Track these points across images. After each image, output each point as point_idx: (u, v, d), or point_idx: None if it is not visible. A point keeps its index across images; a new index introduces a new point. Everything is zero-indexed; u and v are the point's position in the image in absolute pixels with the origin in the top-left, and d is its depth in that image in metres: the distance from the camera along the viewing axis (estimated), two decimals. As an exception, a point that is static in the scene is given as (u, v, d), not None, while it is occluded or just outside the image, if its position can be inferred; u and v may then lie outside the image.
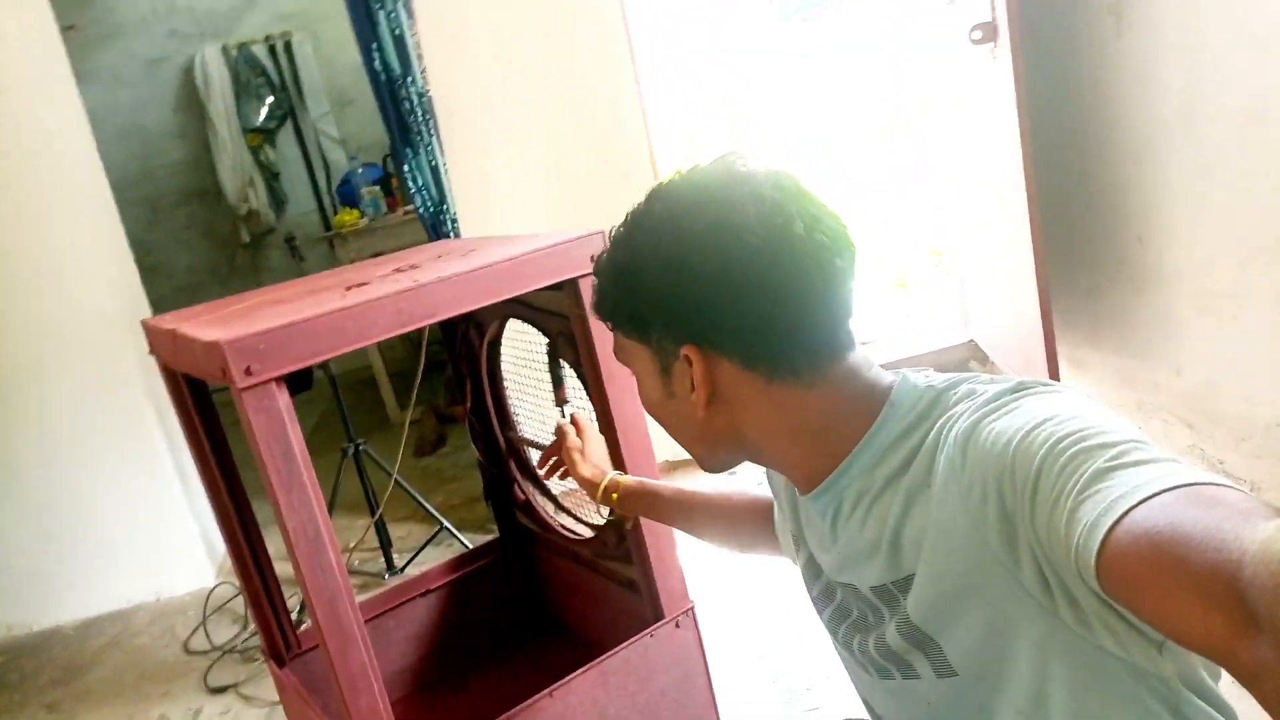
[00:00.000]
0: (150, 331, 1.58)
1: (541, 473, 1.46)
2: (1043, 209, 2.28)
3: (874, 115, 4.95)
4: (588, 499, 1.76)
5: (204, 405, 1.70)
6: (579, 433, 1.39)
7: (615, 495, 1.29)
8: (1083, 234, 2.54)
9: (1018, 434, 0.64)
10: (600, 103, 2.93)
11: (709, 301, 0.75)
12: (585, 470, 1.33)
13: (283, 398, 1.19)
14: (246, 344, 1.15)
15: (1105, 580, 0.54)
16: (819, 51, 4.61)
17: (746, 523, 1.16)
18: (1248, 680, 0.46)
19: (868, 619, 0.83)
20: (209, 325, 1.32)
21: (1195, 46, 2.00)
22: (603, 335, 1.46)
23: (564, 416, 1.45)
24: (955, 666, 0.74)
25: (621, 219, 0.84)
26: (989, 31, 2.23)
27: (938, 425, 0.73)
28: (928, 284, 4.34)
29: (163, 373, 1.67)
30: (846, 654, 0.90)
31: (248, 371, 1.15)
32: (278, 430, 1.19)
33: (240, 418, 1.18)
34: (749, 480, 1.18)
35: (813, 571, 0.92)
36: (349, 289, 1.39)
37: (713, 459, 0.88)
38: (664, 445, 3.08)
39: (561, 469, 1.44)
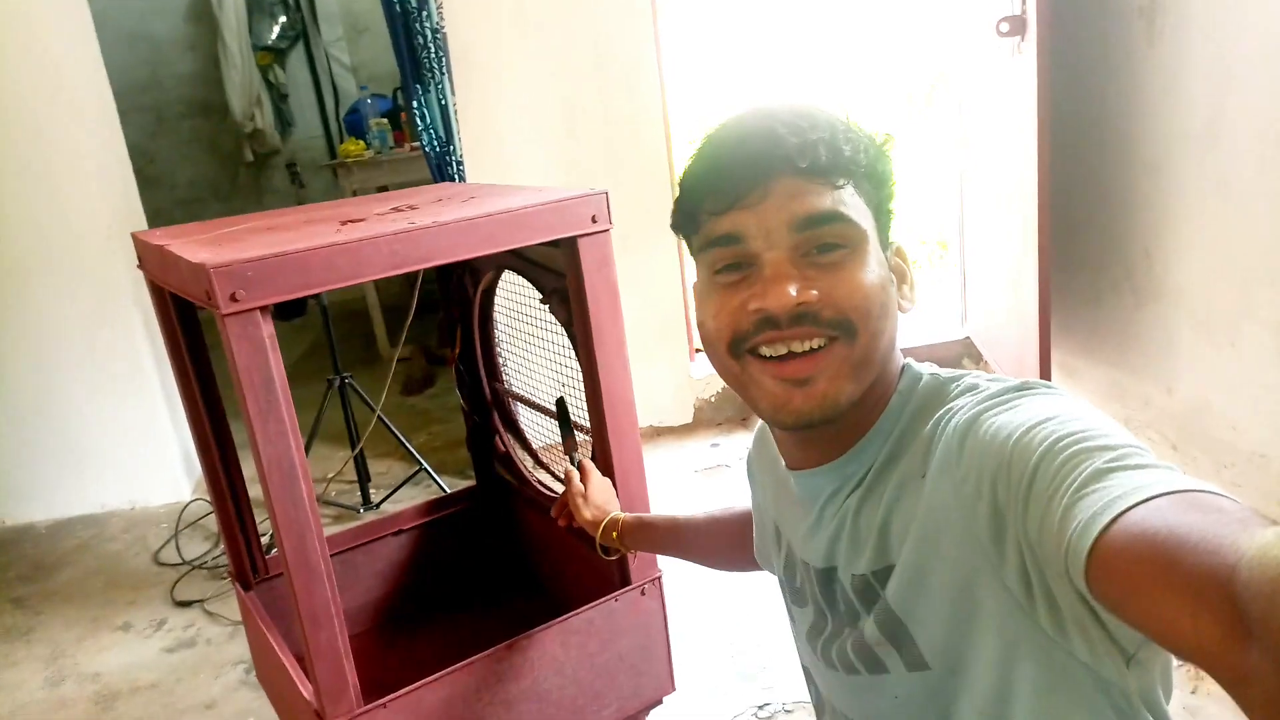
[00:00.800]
0: (140, 245, 1.56)
1: (559, 521, 1.48)
2: (1052, 211, 2.26)
3: (889, 92, 4.89)
4: (564, 457, 1.77)
5: (189, 323, 1.69)
6: (584, 478, 1.42)
7: (615, 534, 1.32)
8: (1090, 240, 2.53)
9: (1017, 429, 0.64)
10: (618, 60, 2.88)
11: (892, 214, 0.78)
12: (587, 513, 1.37)
13: (267, 327, 1.18)
14: (234, 270, 1.13)
15: (1094, 578, 0.53)
16: (839, 24, 4.54)
17: (737, 539, 1.15)
18: (1233, 686, 0.45)
19: (843, 624, 0.82)
20: (199, 246, 1.30)
21: (1225, 63, 1.96)
22: (597, 296, 1.45)
23: (572, 464, 1.46)
24: (927, 659, 0.73)
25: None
26: (1017, 25, 2.19)
27: (936, 416, 0.72)
28: (928, 275, 4.32)
29: (149, 287, 1.65)
30: (811, 654, 0.89)
31: (233, 298, 1.14)
32: (259, 359, 1.18)
33: (223, 344, 1.17)
34: (735, 499, 1.18)
35: (790, 573, 0.91)
36: (344, 224, 1.37)
37: (875, 377, 0.75)
38: (645, 411, 3.05)
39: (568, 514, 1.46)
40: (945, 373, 0.78)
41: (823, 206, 0.71)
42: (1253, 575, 0.43)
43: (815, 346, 0.72)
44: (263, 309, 1.17)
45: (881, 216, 0.75)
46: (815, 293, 0.71)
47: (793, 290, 0.70)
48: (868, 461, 0.77)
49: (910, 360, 0.80)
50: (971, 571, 0.67)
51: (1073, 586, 0.57)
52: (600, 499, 1.40)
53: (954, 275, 3.40)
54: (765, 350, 0.73)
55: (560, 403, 1.56)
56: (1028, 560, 0.62)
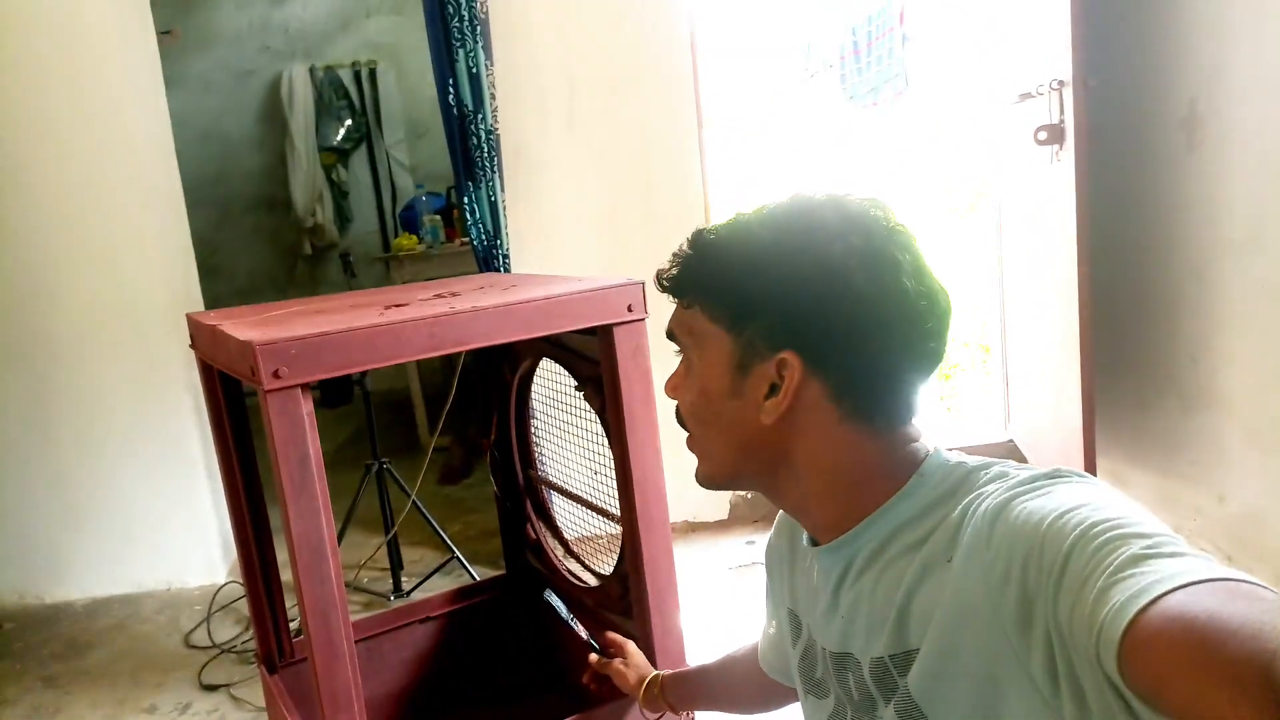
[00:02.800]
0: (193, 325, 1.62)
1: (587, 681, 1.49)
2: (1095, 316, 2.25)
3: (930, 202, 4.96)
4: (598, 550, 1.76)
5: (235, 404, 1.73)
6: (620, 650, 1.44)
7: (657, 689, 1.33)
8: (1134, 346, 2.50)
9: (1050, 514, 0.63)
10: (662, 159, 2.98)
11: (846, 322, 0.74)
12: (632, 677, 1.38)
13: (306, 405, 1.21)
14: (279, 348, 1.17)
15: (1128, 662, 0.52)
16: (880, 134, 4.65)
17: (750, 672, 1.16)
18: None
19: (861, 713, 0.80)
20: (247, 326, 1.35)
21: (1266, 172, 1.97)
22: (631, 384, 1.46)
23: (600, 652, 1.47)
24: None
25: (757, 207, 0.82)
26: (1055, 134, 2.23)
27: (964, 502, 0.72)
28: (972, 377, 4.29)
29: (199, 366, 1.71)
30: None
31: (276, 374, 1.17)
32: (297, 436, 1.20)
33: (264, 419, 1.20)
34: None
35: (809, 663, 0.90)
36: (388, 308, 1.42)
37: (734, 472, 0.85)
38: (680, 505, 3.03)
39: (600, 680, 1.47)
40: (973, 460, 0.78)
41: (670, 326, 0.86)
42: None
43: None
44: (304, 386, 1.21)
45: (741, 330, 0.79)
46: (672, 394, 0.88)
47: (667, 387, 0.89)
48: (876, 539, 0.77)
49: (939, 448, 0.80)
50: (996, 662, 0.65)
51: (1102, 672, 0.55)
52: (640, 660, 1.42)
53: (996, 378, 3.37)
54: None
55: (548, 603, 1.55)
56: (1056, 648, 0.60)
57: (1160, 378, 2.41)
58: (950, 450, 0.80)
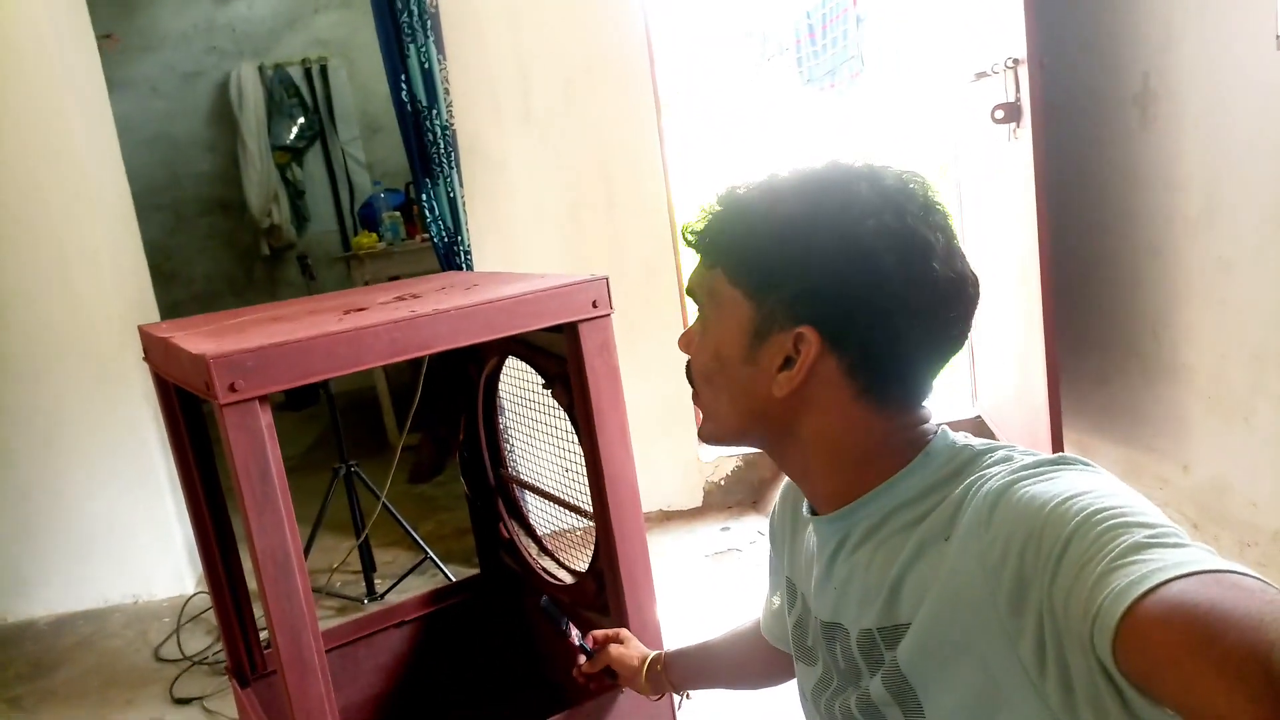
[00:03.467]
0: (145, 338, 1.57)
1: (577, 674, 1.41)
2: (1057, 293, 2.27)
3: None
4: (572, 545, 1.74)
5: (193, 415, 1.69)
6: (615, 639, 1.36)
7: (660, 667, 1.27)
8: (1097, 321, 2.53)
9: (1053, 500, 0.63)
10: (621, 151, 2.96)
11: (869, 303, 0.73)
12: (634, 660, 1.30)
13: (265, 417, 1.18)
14: (233, 360, 1.14)
15: (1124, 647, 0.52)
16: (839, 115, 4.65)
17: (755, 646, 1.15)
18: None
19: (846, 682, 0.81)
20: (201, 337, 1.31)
21: (1219, 145, 1.99)
22: (599, 380, 1.45)
23: (587, 653, 1.38)
24: None
25: (797, 172, 0.80)
26: (1011, 112, 2.24)
27: (967, 482, 0.72)
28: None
29: (154, 380, 1.66)
30: (816, 712, 0.88)
31: (232, 388, 1.14)
32: (257, 450, 1.17)
33: (221, 434, 1.17)
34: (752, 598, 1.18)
35: (801, 630, 0.90)
36: (347, 313, 1.39)
37: (738, 434, 0.84)
38: (653, 494, 3.02)
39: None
40: (980, 443, 0.78)
41: (690, 285, 0.86)
42: None
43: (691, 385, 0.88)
44: (261, 399, 1.17)
45: (762, 298, 0.77)
46: (686, 348, 0.87)
47: (680, 340, 0.88)
48: (875, 514, 0.77)
49: (945, 428, 0.80)
50: (987, 642, 0.66)
51: (1095, 657, 0.56)
52: (636, 642, 1.36)
53: (962, 355, 3.40)
54: None
55: (545, 606, 1.47)
56: (1047, 631, 0.61)
57: (1123, 351, 2.44)
58: (957, 432, 0.80)
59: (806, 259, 0.74)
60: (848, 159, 0.79)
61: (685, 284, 0.91)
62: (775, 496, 1.03)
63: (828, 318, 0.74)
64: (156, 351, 1.49)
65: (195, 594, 2.99)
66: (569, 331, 1.44)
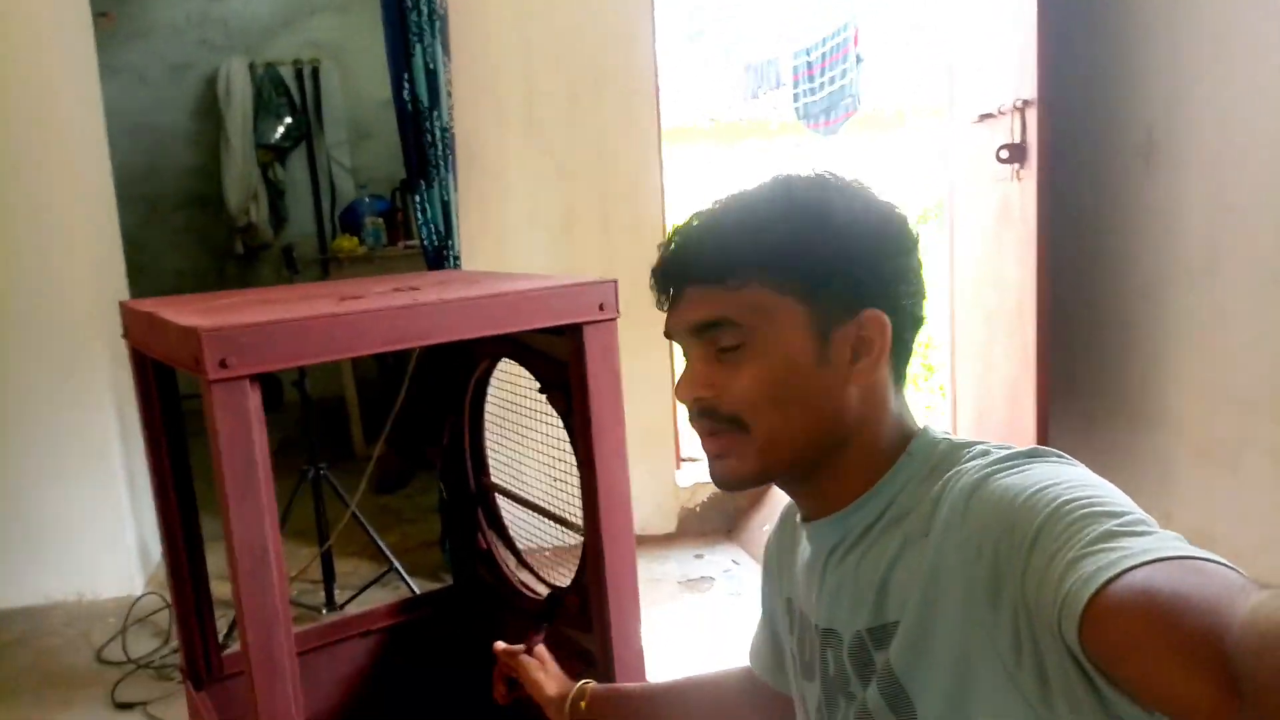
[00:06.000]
0: (127, 313, 1.50)
1: (497, 695, 1.36)
2: (1049, 334, 2.27)
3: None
4: (553, 561, 1.67)
5: (169, 402, 1.61)
6: (542, 661, 1.30)
7: (583, 703, 1.17)
8: (1086, 365, 2.53)
9: (1025, 491, 0.64)
10: (621, 170, 2.94)
11: (897, 272, 0.76)
12: (551, 688, 1.22)
13: (255, 398, 1.12)
14: (226, 334, 1.08)
15: (1089, 633, 0.53)
16: (832, 151, 4.69)
17: (736, 694, 1.09)
18: None
19: (838, 695, 0.80)
20: (190, 313, 1.25)
21: (1222, 198, 2.01)
22: (600, 388, 1.40)
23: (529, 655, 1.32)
24: None
25: (807, 174, 0.81)
26: (1016, 153, 2.25)
27: (945, 478, 0.73)
28: (918, 393, 4.32)
29: (132, 359, 1.59)
30: None
31: (223, 364, 1.07)
32: (243, 432, 1.11)
33: (206, 415, 1.10)
34: (722, 661, 1.14)
35: (802, 645, 0.88)
36: (343, 299, 1.33)
37: (792, 457, 0.78)
38: (649, 516, 2.95)
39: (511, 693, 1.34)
40: (958, 439, 0.79)
41: (711, 315, 0.77)
42: (1245, 633, 0.44)
43: (713, 432, 0.79)
44: (252, 379, 1.11)
45: (816, 295, 0.75)
46: (710, 392, 0.78)
47: (688, 390, 0.79)
48: (868, 517, 0.78)
49: (929, 425, 0.81)
50: (968, 636, 0.66)
51: (1064, 644, 0.57)
52: (559, 673, 1.27)
53: (942, 398, 3.39)
54: None
55: (554, 598, 1.41)
56: (1021, 621, 0.61)
57: (1110, 396, 2.44)
58: (938, 428, 0.81)
59: (852, 244, 0.75)
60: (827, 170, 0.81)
61: (670, 326, 0.81)
62: (757, 524, 1.00)
63: (881, 296, 0.76)
64: (138, 327, 1.42)
65: (144, 595, 2.87)
66: (572, 334, 1.39)
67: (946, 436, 0.79)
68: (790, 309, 0.75)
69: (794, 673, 0.91)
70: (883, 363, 0.77)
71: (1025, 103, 2.19)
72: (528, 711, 1.32)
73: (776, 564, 0.97)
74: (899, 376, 0.80)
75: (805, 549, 0.87)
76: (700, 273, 0.77)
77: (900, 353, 0.79)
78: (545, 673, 1.26)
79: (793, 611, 0.91)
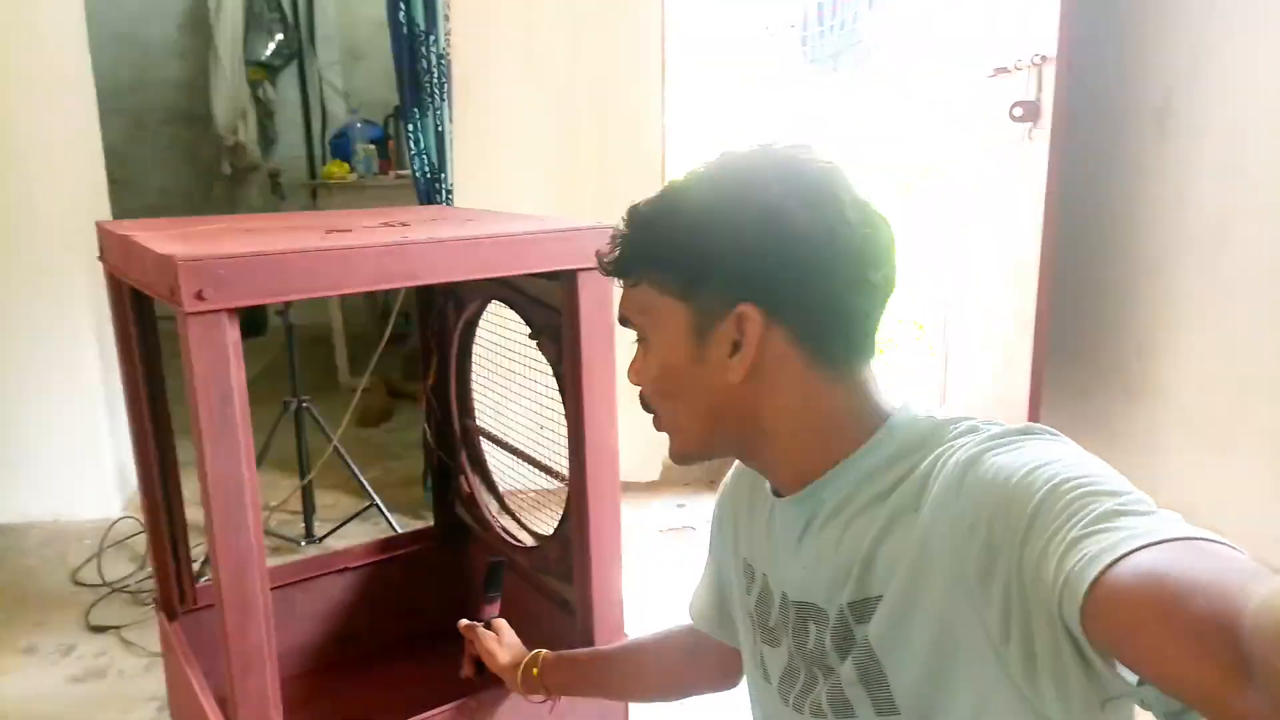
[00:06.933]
0: (103, 235, 1.44)
1: (464, 674, 1.37)
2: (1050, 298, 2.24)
3: (885, 169, 4.93)
4: (535, 507, 1.65)
5: (145, 326, 1.56)
6: (498, 632, 1.33)
7: (535, 670, 1.23)
8: (1083, 332, 2.50)
9: (1020, 469, 0.63)
10: (622, 103, 2.84)
11: (794, 263, 0.74)
12: (504, 657, 1.28)
13: (232, 333, 1.07)
14: (204, 266, 1.03)
15: (1092, 614, 0.53)
16: (846, 100, 4.59)
17: (681, 651, 1.14)
18: None
19: (813, 663, 0.79)
20: (168, 239, 1.19)
21: (1238, 169, 1.96)
22: (591, 335, 1.36)
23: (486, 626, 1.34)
24: (898, 702, 0.72)
25: (692, 170, 0.81)
26: (1030, 111, 2.18)
27: (935, 454, 0.72)
28: (908, 354, 4.30)
29: (108, 282, 1.53)
30: (780, 702, 0.84)
31: (199, 296, 1.03)
32: (220, 368, 1.06)
33: (181, 347, 1.05)
34: (667, 621, 1.14)
35: (764, 608, 0.87)
36: (329, 232, 1.27)
37: (705, 442, 0.83)
38: (632, 464, 2.92)
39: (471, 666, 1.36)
40: (942, 414, 0.78)
41: (620, 311, 0.85)
42: (1258, 620, 0.44)
43: (649, 414, 0.86)
44: (230, 312, 1.06)
45: (694, 294, 0.77)
46: (634, 379, 0.85)
47: (628, 375, 0.86)
48: (842, 489, 0.77)
49: (909, 402, 0.79)
50: (955, 612, 0.66)
51: (1062, 625, 0.56)
52: (513, 641, 1.31)
53: (931, 356, 3.37)
54: None
55: (497, 566, 1.40)
56: (1014, 599, 0.61)
57: (1105, 366, 2.42)
58: (919, 404, 0.80)
59: (725, 240, 0.75)
60: (737, 146, 0.80)
61: (617, 316, 0.87)
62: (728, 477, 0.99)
63: (761, 290, 0.75)
64: (115, 251, 1.36)
65: (121, 519, 2.84)
66: (567, 280, 1.35)
67: (929, 414, 0.78)
68: (671, 308, 0.79)
69: (751, 632, 0.90)
70: (769, 354, 0.76)
71: (1043, 58, 2.12)
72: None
73: (733, 521, 0.95)
74: (831, 357, 0.76)
75: (774, 519, 0.85)
76: (614, 270, 0.83)
77: (816, 337, 0.76)
78: (500, 643, 1.30)
79: (752, 574, 0.90)
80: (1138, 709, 0.64)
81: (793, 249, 0.73)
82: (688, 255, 0.77)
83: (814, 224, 0.73)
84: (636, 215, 0.81)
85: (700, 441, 0.83)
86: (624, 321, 0.85)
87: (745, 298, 0.75)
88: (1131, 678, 0.58)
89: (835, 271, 0.74)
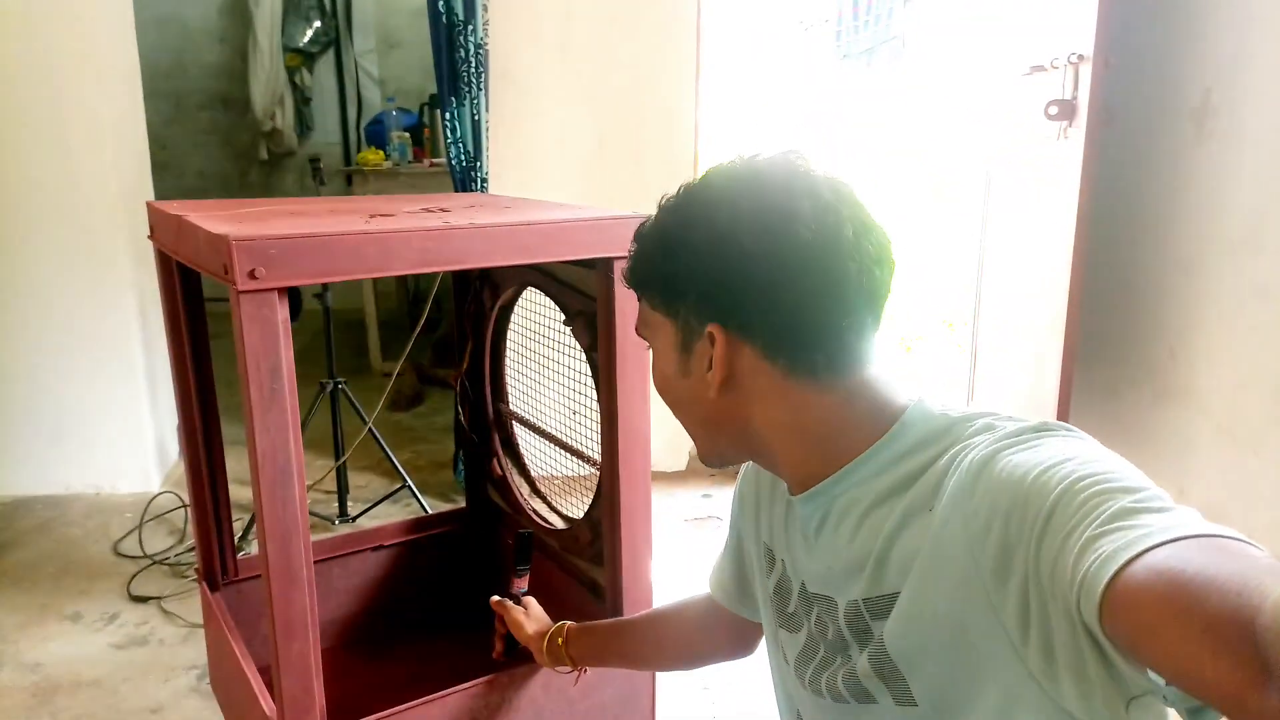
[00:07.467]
0: (154, 214, 1.49)
1: (495, 655, 1.44)
2: (1081, 300, 2.23)
3: (917, 168, 4.91)
4: (566, 491, 1.69)
5: (194, 303, 1.61)
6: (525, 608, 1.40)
7: (561, 640, 1.29)
8: (1114, 333, 2.49)
9: (1036, 468, 0.63)
10: (656, 96, 2.86)
11: (749, 283, 0.75)
12: (530, 628, 1.34)
13: (282, 311, 1.11)
14: (257, 245, 1.07)
15: (1110, 612, 0.53)
16: (878, 96, 4.57)
17: (699, 621, 1.17)
18: None
19: (833, 652, 0.81)
20: (220, 220, 1.23)
21: (1275, 171, 1.95)
22: (626, 323, 1.39)
23: (515, 602, 1.41)
24: (917, 698, 0.73)
25: (674, 191, 0.83)
26: (1066, 110, 2.17)
27: (950, 452, 0.72)
28: (937, 351, 4.29)
29: (158, 260, 1.58)
30: (798, 683, 0.86)
31: (252, 275, 1.07)
32: (270, 344, 1.10)
33: (234, 323, 1.10)
34: (692, 589, 1.18)
35: (783, 595, 0.89)
36: (373, 217, 1.31)
37: (714, 448, 0.87)
38: (660, 453, 2.95)
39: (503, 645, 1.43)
40: (958, 411, 0.77)
41: (637, 321, 0.88)
42: (1276, 618, 0.44)
43: None
44: (280, 291, 1.11)
45: (678, 316, 0.80)
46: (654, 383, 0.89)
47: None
48: (856, 486, 0.77)
49: (924, 398, 0.79)
50: (970, 611, 0.66)
51: (1081, 623, 0.56)
52: (540, 614, 1.38)
53: (959, 354, 3.37)
54: None
55: (526, 539, 1.45)
56: (1031, 598, 0.61)
57: (1136, 367, 2.41)
58: (936, 400, 0.79)
59: (689, 264, 0.78)
60: (723, 163, 0.81)
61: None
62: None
63: (723, 310, 0.77)
64: (167, 229, 1.41)
65: (161, 493, 2.92)
66: (602, 268, 1.38)
67: (945, 409, 0.77)
68: (662, 324, 0.83)
69: (769, 614, 0.93)
70: (742, 370, 0.78)
71: (1080, 56, 2.11)
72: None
73: (754, 502, 0.97)
74: (811, 369, 0.76)
75: (791, 512, 0.87)
76: (626, 283, 0.87)
77: (787, 352, 0.76)
78: (528, 615, 1.36)
79: (771, 558, 0.92)
80: (1171, 712, 0.63)
81: (741, 271, 0.75)
82: (664, 277, 0.81)
83: (758, 244, 0.74)
84: (637, 232, 0.85)
85: (708, 447, 0.87)
86: (637, 332, 0.89)
87: (713, 318, 0.77)
88: (1155, 676, 0.57)
89: (794, 288, 0.74)
